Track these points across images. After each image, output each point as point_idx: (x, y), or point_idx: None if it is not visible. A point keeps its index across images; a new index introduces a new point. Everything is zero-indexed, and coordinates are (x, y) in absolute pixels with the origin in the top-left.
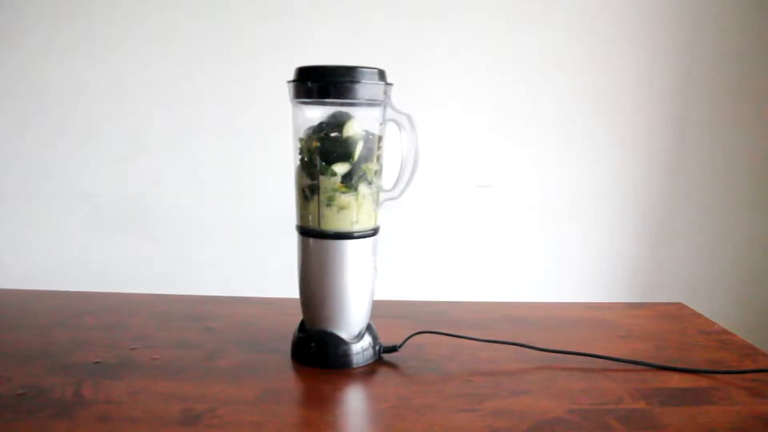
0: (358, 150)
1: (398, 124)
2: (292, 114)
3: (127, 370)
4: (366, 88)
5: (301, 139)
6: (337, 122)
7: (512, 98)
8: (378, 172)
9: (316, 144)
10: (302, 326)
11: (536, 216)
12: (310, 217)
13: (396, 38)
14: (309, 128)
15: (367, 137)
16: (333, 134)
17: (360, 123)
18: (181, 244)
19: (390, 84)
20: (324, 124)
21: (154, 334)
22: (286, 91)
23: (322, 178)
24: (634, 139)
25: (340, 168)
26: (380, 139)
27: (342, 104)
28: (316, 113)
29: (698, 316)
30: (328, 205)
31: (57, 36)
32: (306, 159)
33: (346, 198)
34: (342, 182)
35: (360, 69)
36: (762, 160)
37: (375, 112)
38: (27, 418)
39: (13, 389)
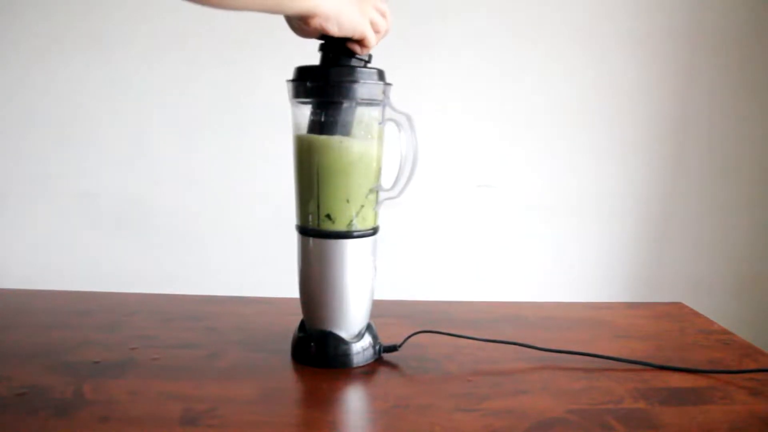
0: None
1: (397, 124)
2: (291, 113)
3: (127, 370)
4: (365, 88)
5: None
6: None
7: (512, 98)
8: (377, 172)
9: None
10: (302, 326)
11: (536, 216)
12: (310, 216)
13: (396, 38)
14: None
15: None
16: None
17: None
18: (181, 244)
19: (389, 84)
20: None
21: (154, 334)
22: (285, 91)
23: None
24: (634, 139)
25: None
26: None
27: (341, 104)
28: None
29: (698, 315)
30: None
31: (57, 36)
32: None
33: None
34: None
35: (359, 69)
36: (762, 160)
37: (374, 112)
38: (27, 418)
39: (13, 389)
